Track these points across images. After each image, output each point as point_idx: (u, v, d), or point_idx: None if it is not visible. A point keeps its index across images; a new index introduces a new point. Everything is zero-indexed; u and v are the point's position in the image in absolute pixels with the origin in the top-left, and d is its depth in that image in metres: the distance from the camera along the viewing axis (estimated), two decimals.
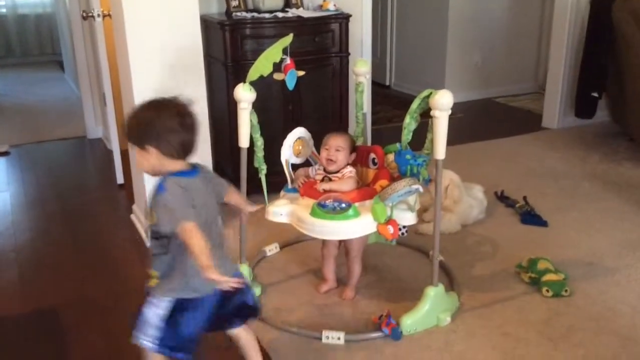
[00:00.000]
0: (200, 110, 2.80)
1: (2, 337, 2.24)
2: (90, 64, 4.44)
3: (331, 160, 2.24)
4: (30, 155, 4.41)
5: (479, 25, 5.41)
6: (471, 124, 4.84)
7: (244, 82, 2.10)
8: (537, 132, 4.55)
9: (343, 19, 3.23)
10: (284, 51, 2.12)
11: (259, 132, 2.20)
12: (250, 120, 2.14)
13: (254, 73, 2.09)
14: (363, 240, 2.36)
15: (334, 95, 3.32)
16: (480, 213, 3.06)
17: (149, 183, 2.79)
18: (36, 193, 3.73)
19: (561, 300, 2.34)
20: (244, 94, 2.09)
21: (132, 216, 3.17)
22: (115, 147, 3.62)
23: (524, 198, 3.20)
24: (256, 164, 2.25)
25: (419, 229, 2.88)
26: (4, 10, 7.93)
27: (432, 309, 2.17)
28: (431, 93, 1.97)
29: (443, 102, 1.92)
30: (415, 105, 2.05)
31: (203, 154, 2.87)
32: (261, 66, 2.07)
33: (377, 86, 5.81)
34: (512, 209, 3.16)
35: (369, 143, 2.77)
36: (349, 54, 3.30)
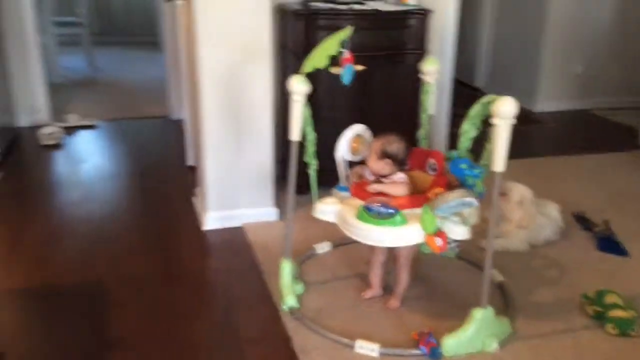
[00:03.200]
0: (264, 97, 2.79)
1: (50, 306, 2.30)
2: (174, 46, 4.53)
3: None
4: (116, 130, 4.58)
5: (582, 31, 5.02)
6: (562, 135, 4.50)
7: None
8: (633, 151, 4.16)
9: (423, 14, 3.08)
10: (343, 44, 2.02)
11: (312, 126, 2.12)
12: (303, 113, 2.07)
13: (308, 65, 2.01)
14: (413, 248, 2.22)
15: (407, 94, 3.17)
16: (554, 234, 2.82)
17: (212, 167, 2.82)
18: (113, 167, 3.88)
19: (627, 340, 2.10)
20: (298, 86, 2.01)
21: (194, 198, 3.19)
22: (188, 128, 3.67)
23: (606, 222, 2.92)
24: (306, 159, 2.17)
25: (481, 243, 2.70)
26: None
27: (477, 332, 2.00)
28: (493, 99, 1.81)
29: (505, 109, 1.75)
30: (474, 110, 1.89)
31: (264, 142, 2.85)
32: (316, 59, 1.98)
33: (465, 87, 5.62)
34: (590, 233, 2.90)
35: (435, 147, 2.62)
36: (426, 51, 3.14)
